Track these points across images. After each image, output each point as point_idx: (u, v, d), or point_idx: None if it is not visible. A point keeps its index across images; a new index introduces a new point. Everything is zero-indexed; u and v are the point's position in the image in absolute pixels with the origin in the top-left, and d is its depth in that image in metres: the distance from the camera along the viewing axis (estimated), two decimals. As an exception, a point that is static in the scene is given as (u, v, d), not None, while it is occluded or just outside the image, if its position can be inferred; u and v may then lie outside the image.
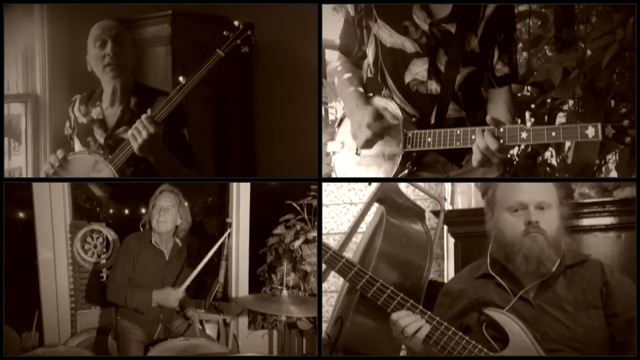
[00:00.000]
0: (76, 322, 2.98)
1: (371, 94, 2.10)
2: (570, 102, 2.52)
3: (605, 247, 2.50)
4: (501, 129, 1.76)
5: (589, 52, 2.30)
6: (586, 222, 2.52)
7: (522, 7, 2.61)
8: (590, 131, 1.59)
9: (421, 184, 2.63)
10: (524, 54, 2.80)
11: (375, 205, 2.44)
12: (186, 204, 2.74)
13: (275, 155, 3.50)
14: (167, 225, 2.62)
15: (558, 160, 2.65)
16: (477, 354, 1.66)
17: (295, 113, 3.31)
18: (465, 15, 1.91)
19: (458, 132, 1.87)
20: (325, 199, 3.57)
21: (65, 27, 2.76)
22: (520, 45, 2.78)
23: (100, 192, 3.46)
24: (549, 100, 2.54)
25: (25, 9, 2.69)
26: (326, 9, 2.73)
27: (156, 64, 2.95)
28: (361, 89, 2.10)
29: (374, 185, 2.37)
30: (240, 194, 3.38)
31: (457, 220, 2.82)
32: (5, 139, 2.75)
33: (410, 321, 1.69)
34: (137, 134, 1.99)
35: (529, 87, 2.65)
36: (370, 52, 2.08)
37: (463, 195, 3.04)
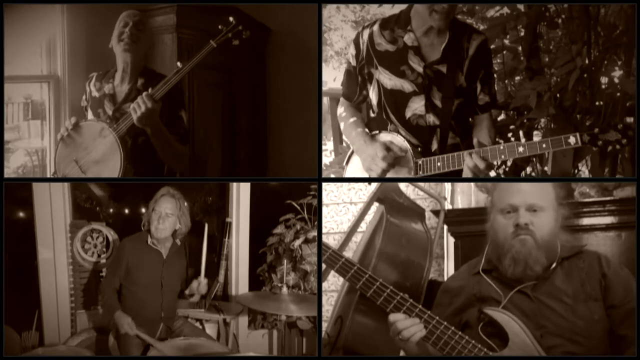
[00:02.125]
0: (76, 321, 2.99)
1: (377, 131, 2.33)
2: (542, 120, 2.91)
3: (606, 247, 2.50)
4: (501, 147, 2.05)
5: (554, 78, 2.71)
6: (586, 221, 2.53)
7: (496, 44, 2.99)
8: (572, 140, 1.94)
9: (421, 184, 2.63)
10: (502, 83, 3.17)
11: (375, 204, 2.45)
12: (186, 206, 2.75)
13: (284, 148, 3.57)
14: (166, 232, 2.66)
15: (540, 173, 2.96)
16: (477, 354, 1.66)
17: (303, 107, 3.34)
18: (453, 57, 2.21)
19: (465, 153, 2.12)
20: (325, 198, 3.57)
21: (83, 18, 3.07)
22: (495, 76, 3.16)
23: (100, 192, 3.46)
24: (525, 121, 2.90)
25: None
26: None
27: (163, 50, 3.13)
28: (367, 130, 2.36)
29: (374, 184, 2.38)
30: (240, 194, 3.37)
31: (457, 219, 2.82)
32: (38, 122, 3.13)
33: (406, 325, 1.68)
34: (138, 107, 2.29)
35: (511, 112, 3.04)
36: (373, 94, 2.35)
37: (463, 195, 3.04)
